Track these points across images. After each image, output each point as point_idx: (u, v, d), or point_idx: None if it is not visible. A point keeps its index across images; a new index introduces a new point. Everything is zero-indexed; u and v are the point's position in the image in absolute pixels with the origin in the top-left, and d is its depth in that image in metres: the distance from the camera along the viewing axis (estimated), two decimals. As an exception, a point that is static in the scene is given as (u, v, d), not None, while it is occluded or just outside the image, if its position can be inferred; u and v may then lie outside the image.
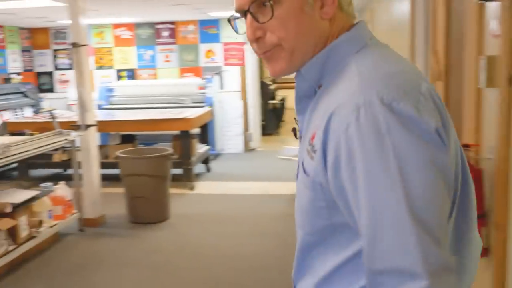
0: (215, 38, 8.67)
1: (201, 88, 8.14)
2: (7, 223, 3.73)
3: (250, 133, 8.92)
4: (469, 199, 1.01)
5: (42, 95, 8.93)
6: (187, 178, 6.26)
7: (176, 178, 6.67)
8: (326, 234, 0.97)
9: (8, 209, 3.80)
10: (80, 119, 4.92)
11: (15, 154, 3.96)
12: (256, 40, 1.02)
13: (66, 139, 4.70)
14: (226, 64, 8.64)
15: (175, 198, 5.85)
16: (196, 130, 7.05)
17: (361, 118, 0.85)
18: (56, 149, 5.33)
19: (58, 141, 4.61)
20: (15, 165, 6.61)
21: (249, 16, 1.00)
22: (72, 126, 4.98)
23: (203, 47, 8.71)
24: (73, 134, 4.82)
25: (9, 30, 8.49)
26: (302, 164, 0.99)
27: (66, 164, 6.09)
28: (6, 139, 4.15)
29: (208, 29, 8.67)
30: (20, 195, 4.15)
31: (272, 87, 12.19)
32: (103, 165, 6.02)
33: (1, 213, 3.79)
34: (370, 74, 0.91)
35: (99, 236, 4.78)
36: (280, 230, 4.64)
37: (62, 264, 4.11)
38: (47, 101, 8.83)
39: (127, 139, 6.77)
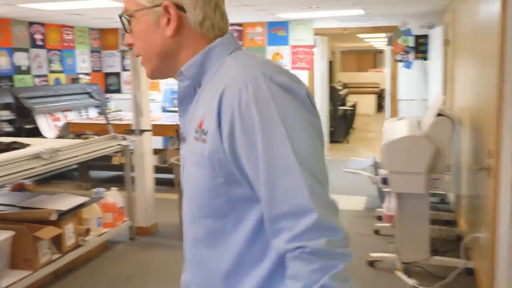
0: (283, 41, 8.33)
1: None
2: (50, 231, 3.56)
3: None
4: None
5: (109, 95, 8.97)
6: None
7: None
8: (225, 211, 1.06)
9: (53, 217, 3.64)
10: (135, 124, 4.74)
11: (63, 160, 3.81)
12: (129, 45, 1.19)
13: (119, 144, 4.52)
14: (294, 68, 8.27)
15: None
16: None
17: (250, 90, 1.00)
18: (116, 152, 5.18)
19: (111, 146, 4.44)
20: (75, 166, 6.59)
21: (122, 23, 1.18)
22: (126, 130, 4.81)
23: (271, 50, 8.40)
24: (128, 139, 4.64)
25: (79, 31, 8.57)
26: (193, 151, 1.09)
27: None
28: (58, 143, 4.00)
29: (276, 31, 8.35)
30: (68, 202, 4.00)
31: (343, 92, 11.71)
32: (161, 170, 5.85)
33: (45, 220, 3.63)
34: (247, 62, 1.09)
35: (149, 246, 4.56)
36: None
37: (108, 275, 3.92)
38: (114, 102, 8.85)
39: (187, 144, 6.56)
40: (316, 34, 8.24)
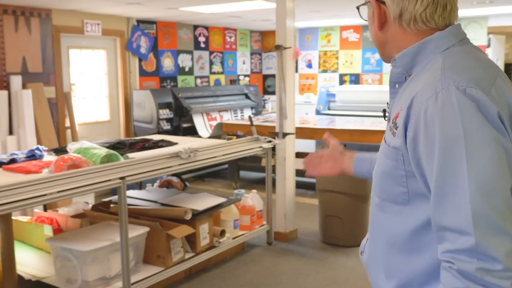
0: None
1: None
2: (183, 230, 3.61)
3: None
4: None
5: (267, 97, 9.08)
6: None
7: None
8: (403, 200, 1.16)
9: (188, 216, 3.68)
10: (278, 126, 4.64)
11: (201, 160, 3.84)
12: None
13: (260, 147, 4.46)
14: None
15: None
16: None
17: (438, 102, 1.03)
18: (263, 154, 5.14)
19: (252, 148, 4.39)
20: (226, 165, 6.74)
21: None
22: (270, 133, 4.74)
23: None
24: (271, 142, 4.56)
25: (241, 33, 8.80)
26: (385, 139, 1.20)
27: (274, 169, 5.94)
28: (201, 143, 4.06)
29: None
30: (207, 202, 4.03)
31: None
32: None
33: (182, 219, 3.68)
34: (451, 67, 1.09)
35: (285, 253, 4.43)
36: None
37: (238, 279, 3.86)
38: (271, 103, 8.94)
39: (336, 149, 6.31)
40: (490, 33, 7.41)
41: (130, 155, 3.61)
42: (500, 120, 1.02)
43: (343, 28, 8.52)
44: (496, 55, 7.70)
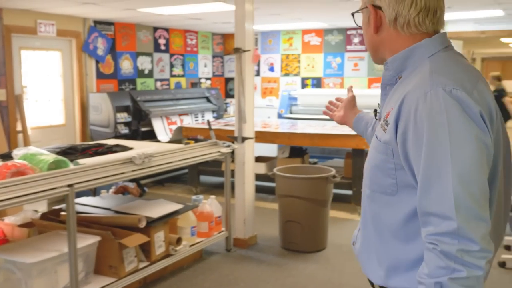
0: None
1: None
2: (137, 239, 3.48)
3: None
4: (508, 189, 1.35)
5: (229, 100, 8.99)
6: (356, 202, 5.52)
7: (344, 200, 5.99)
8: (391, 191, 1.27)
9: (142, 224, 3.55)
10: (237, 131, 4.55)
11: (156, 166, 3.71)
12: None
13: (219, 151, 4.36)
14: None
15: (337, 224, 5.19)
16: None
17: (427, 101, 1.15)
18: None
19: (210, 153, 4.29)
20: (187, 170, 6.61)
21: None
22: (229, 137, 4.65)
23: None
24: (230, 146, 4.47)
25: (203, 36, 8.69)
26: (376, 135, 1.32)
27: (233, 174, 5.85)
28: (153, 148, 3.94)
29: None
30: (162, 209, 3.90)
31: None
32: (268, 179, 5.63)
33: (134, 227, 3.55)
34: (438, 71, 1.21)
35: (245, 259, 4.34)
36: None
37: (196, 287, 3.76)
38: (233, 106, 8.85)
39: (297, 153, 6.27)
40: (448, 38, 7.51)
41: (82, 161, 3.46)
42: (482, 118, 1.15)
43: (305, 32, 8.51)
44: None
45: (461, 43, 8.17)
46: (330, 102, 2.05)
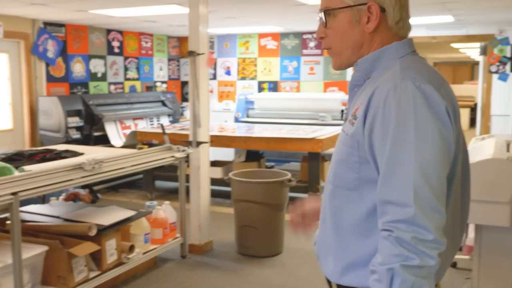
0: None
1: (345, 104, 7.34)
2: (86, 248, 3.36)
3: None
4: (465, 191, 1.41)
5: (185, 104, 8.89)
6: (313, 206, 5.52)
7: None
8: (354, 186, 1.29)
9: (92, 232, 3.43)
10: (192, 135, 4.48)
11: (107, 171, 3.61)
12: (320, 38, 1.42)
13: (173, 156, 4.28)
14: (375, 79, 7.73)
15: (294, 229, 5.16)
16: (331, 151, 6.29)
17: (397, 92, 1.19)
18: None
19: (164, 158, 4.20)
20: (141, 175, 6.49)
21: (320, 18, 1.39)
22: (183, 142, 4.57)
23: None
24: (185, 151, 4.39)
25: (158, 39, 8.56)
26: (343, 130, 1.34)
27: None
28: (104, 153, 3.83)
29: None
30: (114, 216, 3.79)
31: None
32: (224, 183, 5.58)
33: (85, 235, 3.43)
34: (408, 67, 1.26)
35: (200, 266, 4.27)
36: None
37: (149, 297, 3.67)
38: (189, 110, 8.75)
39: (254, 157, 6.24)
40: (401, 43, 7.65)
41: (28, 167, 3.33)
42: (447, 113, 1.20)
43: (261, 36, 8.50)
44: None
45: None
46: (292, 219, 1.69)
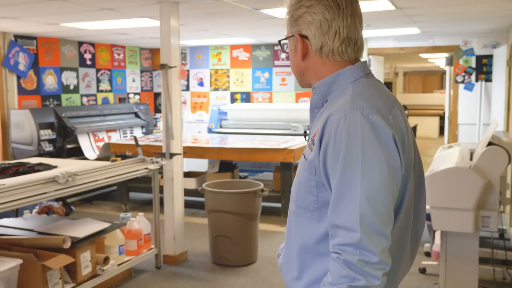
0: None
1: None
2: (61, 260, 3.38)
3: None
4: (418, 215, 1.47)
5: (158, 115, 8.91)
6: (285, 215, 5.62)
7: (274, 213, 6.08)
8: (314, 207, 1.36)
9: (66, 245, 3.45)
10: (165, 147, 4.53)
11: (80, 184, 3.63)
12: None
13: (147, 168, 4.32)
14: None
15: (266, 237, 5.25)
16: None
17: (346, 123, 1.26)
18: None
19: (137, 170, 4.24)
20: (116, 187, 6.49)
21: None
22: (156, 153, 4.62)
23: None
24: (158, 162, 4.44)
25: (130, 50, 8.59)
26: (304, 155, 1.41)
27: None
28: (77, 166, 3.85)
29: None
30: (88, 228, 3.81)
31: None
32: (198, 194, 5.63)
33: (59, 248, 3.45)
34: (358, 96, 1.32)
35: (175, 276, 4.31)
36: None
37: (124, 309, 3.69)
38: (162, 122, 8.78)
39: (227, 167, 6.31)
40: (370, 54, 7.83)
41: (1, 181, 3.33)
42: (394, 141, 1.27)
43: (233, 47, 8.60)
44: (376, 74, 8.13)
45: (382, 58, 8.54)
46: None
